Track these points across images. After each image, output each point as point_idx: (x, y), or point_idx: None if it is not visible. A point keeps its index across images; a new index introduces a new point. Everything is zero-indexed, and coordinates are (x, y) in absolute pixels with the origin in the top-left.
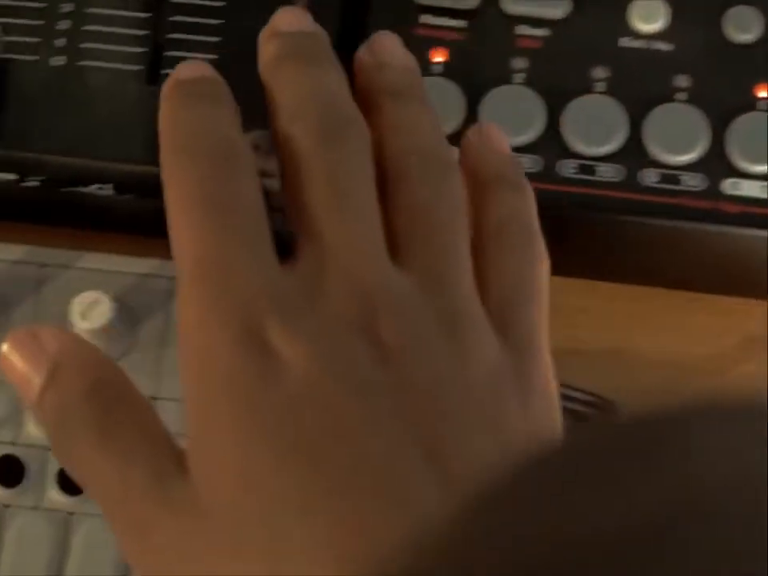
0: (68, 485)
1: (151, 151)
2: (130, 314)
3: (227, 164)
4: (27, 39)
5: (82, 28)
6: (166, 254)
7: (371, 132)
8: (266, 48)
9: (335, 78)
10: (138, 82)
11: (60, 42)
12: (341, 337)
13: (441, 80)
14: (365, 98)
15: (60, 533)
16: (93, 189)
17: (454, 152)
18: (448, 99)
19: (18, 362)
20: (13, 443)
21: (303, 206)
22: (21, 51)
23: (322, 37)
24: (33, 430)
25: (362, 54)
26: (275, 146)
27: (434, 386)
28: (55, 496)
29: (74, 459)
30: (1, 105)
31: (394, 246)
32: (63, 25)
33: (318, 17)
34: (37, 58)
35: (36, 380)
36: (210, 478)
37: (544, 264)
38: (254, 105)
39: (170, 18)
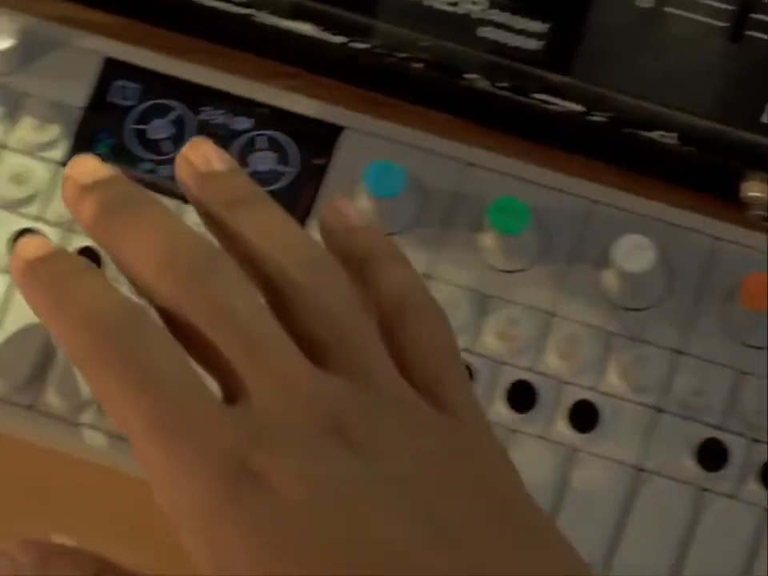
0: (578, 421)
1: (721, 107)
2: (669, 264)
3: (136, 336)
4: None
5: None
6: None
7: (229, 244)
8: (83, 209)
9: (165, 211)
10: (721, 39)
11: None
12: (320, 452)
13: None
14: (205, 214)
15: (560, 466)
16: (656, 135)
17: (319, 243)
18: None
19: None
20: (530, 369)
21: (221, 352)
22: None
23: (125, 177)
24: (553, 361)
25: (179, 170)
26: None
27: (414, 476)
28: (563, 429)
29: None
30: (580, 36)
31: (309, 351)
32: None
33: None
34: None
35: None
36: None
37: (447, 322)
38: None
39: None
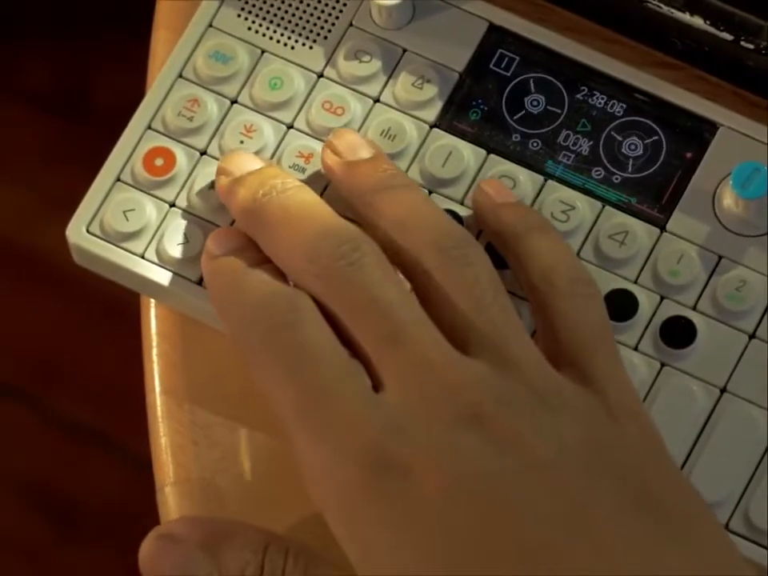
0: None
1: None
2: None
3: (291, 328)
4: None
5: None
6: None
7: (372, 231)
8: (235, 199)
9: (316, 200)
10: None
11: None
12: (459, 440)
13: None
14: (350, 200)
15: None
16: None
17: (461, 227)
18: None
19: None
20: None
21: (363, 340)
22: None
23: (275, 167)
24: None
25: (325, 158)
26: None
27: (556, 463)
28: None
29: None
30: None
31: (449, 334)
32: None
33: None
34: None
35: None
36: None
37: (599, 295)
38: None
39: None
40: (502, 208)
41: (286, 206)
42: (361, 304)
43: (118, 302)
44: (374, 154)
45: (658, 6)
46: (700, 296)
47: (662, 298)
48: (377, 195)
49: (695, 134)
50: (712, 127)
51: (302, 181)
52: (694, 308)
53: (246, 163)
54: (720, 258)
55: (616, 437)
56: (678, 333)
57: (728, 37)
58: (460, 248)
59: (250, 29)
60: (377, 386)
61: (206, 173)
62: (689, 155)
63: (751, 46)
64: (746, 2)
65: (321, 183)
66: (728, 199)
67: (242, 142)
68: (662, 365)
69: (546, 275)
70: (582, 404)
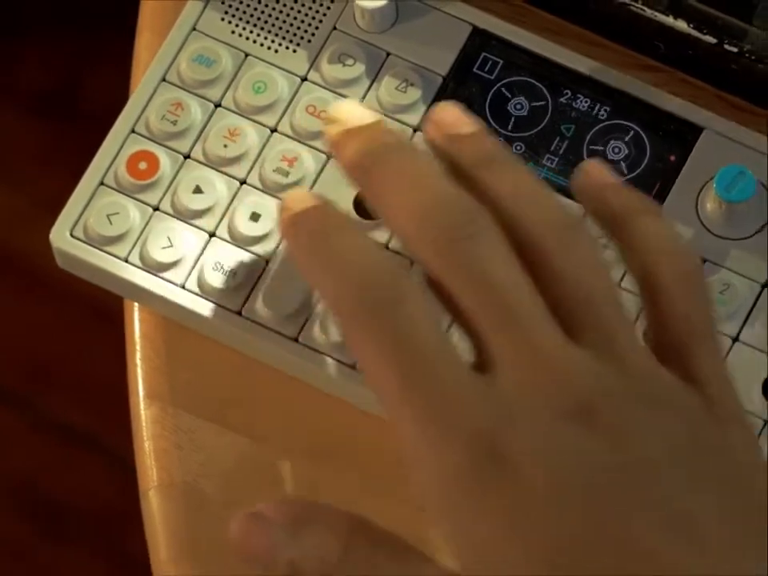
0: None
1: None
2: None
3: (398, 305)
4: None
5: None
6: None
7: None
8: (345, 152)
9: (427, 163)
10: None
11: None
12: (566, 436)
13: None
14: (456, 174)
15: None
16: None
17: (568, 207)
18: None
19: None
20: None
21: (476, 321)
22: None
23: (386, 125)
24: None
25: (428, 131)
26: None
27: (662, 463)
28: None
29: None
30: None
31: (560, 319)
32: None
33: None
34: None
35: (280, 557)
36: None
37: (705, 285)
38: None
39: None
40: (606, 190)
41: (401, 168)
42: (475, 280)
43: (107, 305)
44: (480, 129)
45: (641, 9)
46: None
47: None
48: (484, 168)
49: (679, 137)
50: (696, 130)
51: None
52: None
53: (359, 115)
54: (704, 261)
55: (719, 439)
56: None
57: (711, 40)
58: (577, 231)
59: (233, 32)
60: (486, 366)
61: (190, 177)
62: (672, 158)
63: (735, 50)
64: (730, 4)
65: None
66: (712, 202)
67: (225, 145)
68: None
69: (659, 261)
70: (686, 402)
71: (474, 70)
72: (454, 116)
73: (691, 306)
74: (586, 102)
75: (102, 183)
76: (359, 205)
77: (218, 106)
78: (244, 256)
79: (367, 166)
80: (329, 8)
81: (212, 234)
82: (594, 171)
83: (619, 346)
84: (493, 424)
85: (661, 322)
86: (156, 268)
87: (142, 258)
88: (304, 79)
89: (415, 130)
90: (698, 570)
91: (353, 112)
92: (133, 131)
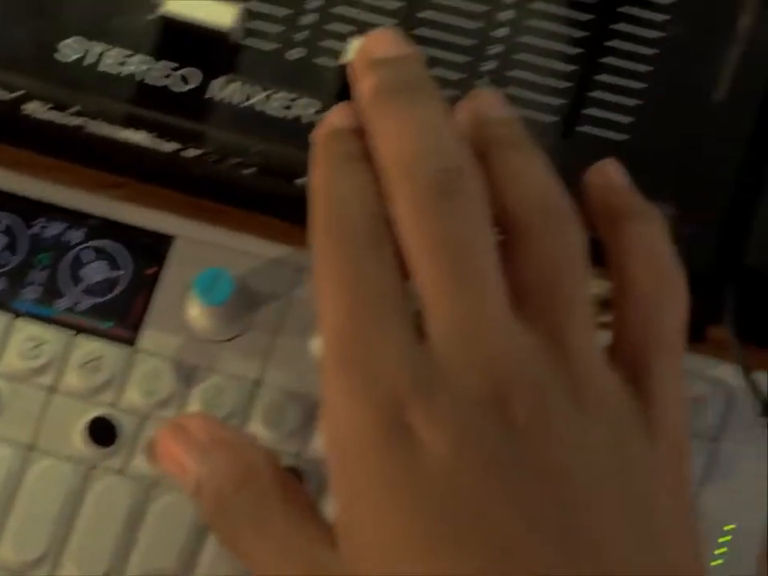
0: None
1: None
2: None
3: (370, 249)
4: None
5: (508, 71)
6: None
7: (485, 178)
8: (364, 83)
9: (440, 112)
10: (552, 134)
11: (481, 82)
12: (476, 419)
13: None
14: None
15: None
16: None
17: (569, 200)
18: None
19: (172, 450)
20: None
21: (426, 280)
22: None
23: (419, 59)
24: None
25: (466, 109)
26: (389, 203)
27: (566, 471)
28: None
29: (238, 550)
30: None
31: (518, 301)
32: (488, 65)
33: None
34: None
35: (191, 471)
36: (356, 557)
37: (683, 301)
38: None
39: (595, 76)
40: (612, 190)
41: (410, 108)
42: (440, 240)
43: None
44: (510, 115)
45: (97, 129)
46: (181, 408)
47: (146, 418)
48: (497, 151)
49: (154, 249)
50: (169, 239)
51: None
52: None
53: (388, 45)
54: (195, 367)
55: (644, 463)
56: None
57: (170, 147)
58: (563, 218)
59: None
60: (426, 332)
61: None
62: (151, 271)
63: (194, 153)
64: (186, 110)
65: None
66: (195, 308)
67: None
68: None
69: (639, 265)
70: (622, 412)
71: None
72: (491, 100)
73: (660, 318)
74: (60, 228)
75: None
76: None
77: None
78: None
79: (375, 104)
80: None
81: None
82: (605, 169)
83: (569, 340)
84: (411, 392)
85: (624, 327)
86: None
87: None
88: None
89: None
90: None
91: (383, 42)
92: None
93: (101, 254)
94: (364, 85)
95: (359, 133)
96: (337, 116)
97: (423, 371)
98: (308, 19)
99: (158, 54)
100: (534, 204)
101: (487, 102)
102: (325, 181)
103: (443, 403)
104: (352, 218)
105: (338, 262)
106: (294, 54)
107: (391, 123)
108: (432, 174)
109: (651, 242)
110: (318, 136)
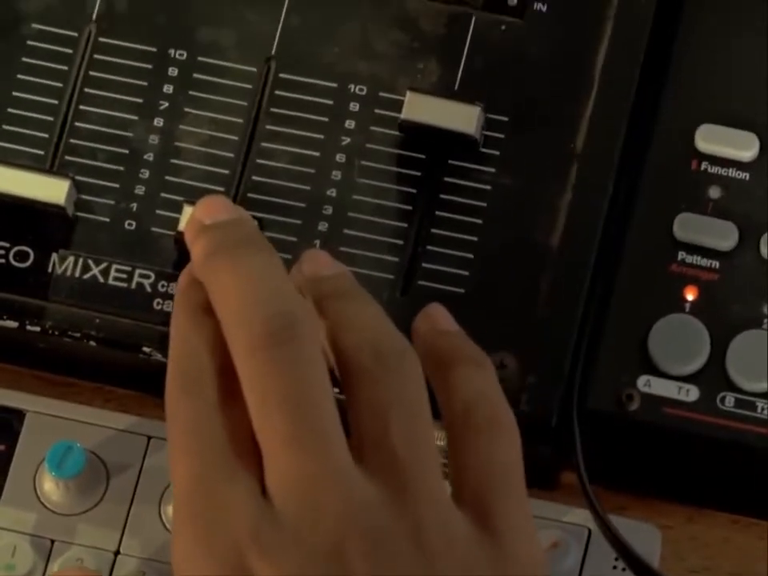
0: None
1: None
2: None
3: (218, 402)
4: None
5: (342, 231)
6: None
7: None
8: (196, 247)
9: (272, 263)
10: (390, 291)
11: (316, 243)
12: (316, 570)
13: (688, 318)
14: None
15: None
16: None
17: (404, 339)
18: (693, 338)
19: None
20: None
21: (262, 434)
22: None
23: (249, 221)
24: None
25: (301, 269)
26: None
27: None
28: None
29: None
30: None
31: (359, 447)
32: (322, 227)
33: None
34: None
35: None
36: None
37: (515, 439)
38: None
39: (431, 230)
40: (440, 336)
41: (241, 262)
42: (271, 393)
43: None
44: (340, 271)
45: None
46: None
47: None
48: (337, 300)
49: (5, 426)
50: (19, 415)
51: None
52: None
53: (216, 211)
54: (53, 542)
55: None
56: None
57: (13, 324)
58: (397, 357)
59: None
60: (268, 484)
61: None
62: (3, 447)
63: (37, 329)
64: (27, 286)
65: None
66: (48, 482)
67: None
68: None
69: (467, 409)
70: (469, 552)
71: None
72: (322, 258)
73: (493, 457)
74: None
75: None
76: None
77: None
78: None
79: (207, 264)
80: None
81: None
82: (433, 314)
83: (412, 486)
84: (251, 544)
85: (461, 468)
86: None
87: None
88: None
89: None
90: None
91: (211, 208)
92: None
93: None
94: (197, 249)
95: None
96: (205, 207)
97: (264, 524)
98: (140, 190)
99: None
100: (367, 347)
101: (317, 262)
102: (178, 332)
103: (283, 555)
104: (201, 372)
105: (187, 416)
106: (129, 224)
107: (224, 277)
108: (265, 319)
109: (480, 385)
110: (179, 282)
